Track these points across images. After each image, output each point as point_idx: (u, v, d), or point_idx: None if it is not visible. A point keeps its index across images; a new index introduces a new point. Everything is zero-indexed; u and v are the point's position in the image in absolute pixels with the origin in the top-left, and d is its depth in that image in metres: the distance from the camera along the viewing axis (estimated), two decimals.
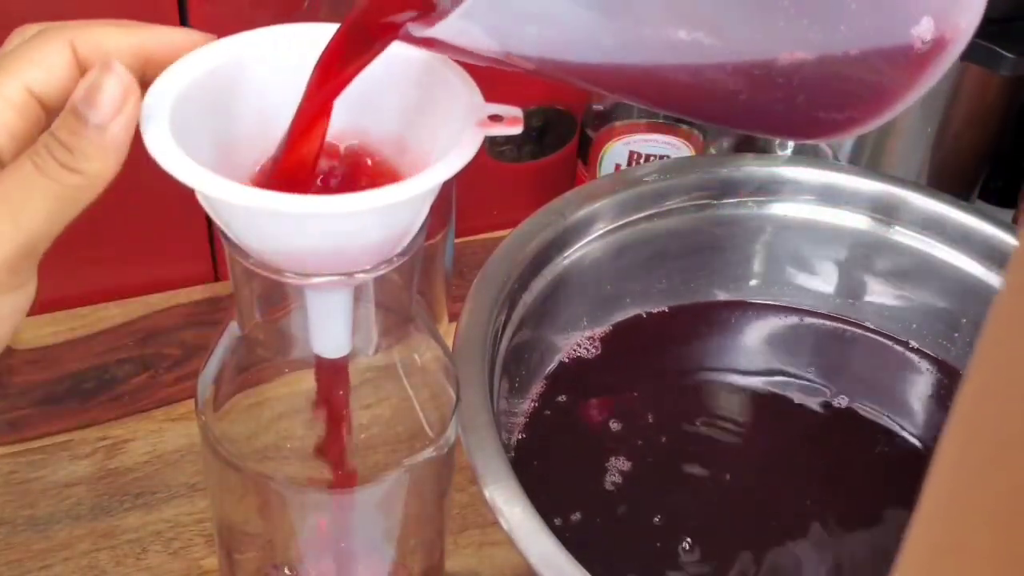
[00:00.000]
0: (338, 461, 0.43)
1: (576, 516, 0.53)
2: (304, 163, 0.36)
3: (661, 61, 0.32)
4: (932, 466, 0.18)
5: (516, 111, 0.35)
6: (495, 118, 0.35)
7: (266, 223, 0.34)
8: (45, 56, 0.34)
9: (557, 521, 0.53)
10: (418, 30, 0.31)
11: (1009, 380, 0.16)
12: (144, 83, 0.35)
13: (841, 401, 0.61)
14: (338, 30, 0.35)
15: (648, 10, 0.30)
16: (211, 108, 0.36)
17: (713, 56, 0.32)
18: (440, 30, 0.30)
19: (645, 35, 0.31)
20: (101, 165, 0.32)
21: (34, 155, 0.32)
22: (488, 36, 0.30)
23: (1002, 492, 0.15)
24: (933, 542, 0.18)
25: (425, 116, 0.38)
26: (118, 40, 0.35)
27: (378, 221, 0.35)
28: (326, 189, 0.38)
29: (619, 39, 0.32)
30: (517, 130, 0.35)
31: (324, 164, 0.38)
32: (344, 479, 0.43)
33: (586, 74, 0.33)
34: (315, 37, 0.36)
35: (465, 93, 0.36)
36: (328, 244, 0.35)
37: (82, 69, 0.34)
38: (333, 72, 0.35)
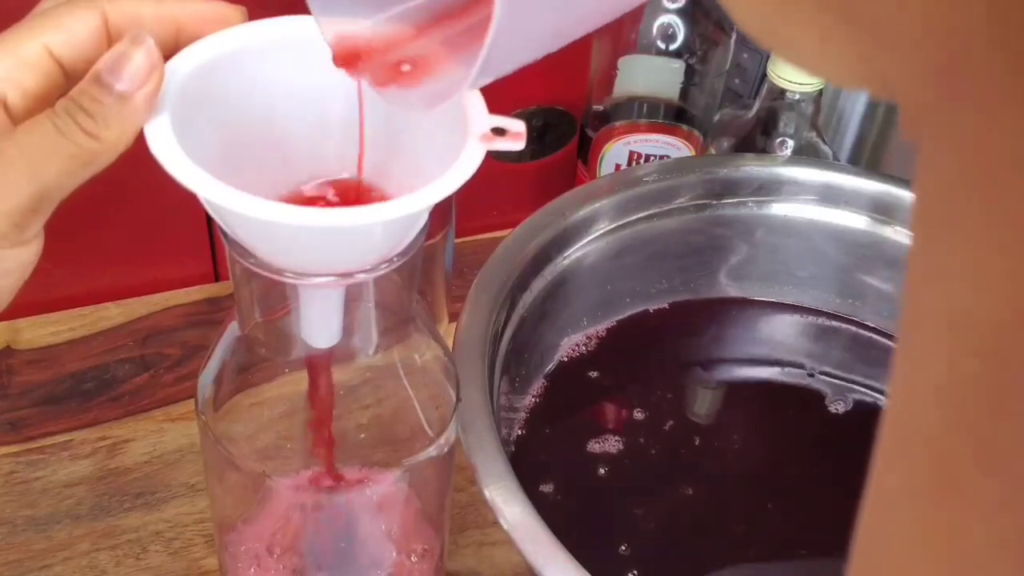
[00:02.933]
0: (327, 455, 0.43)
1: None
2: None
3: None
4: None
5: (519, 124, 0.35)
6: (498, 131, 0.35)
7: (267, 229, 0.34)
8: (72, 20, 0.34)
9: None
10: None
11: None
12: (176, 51, 0.35)
13: (842, 402, 0.61)
14: None
15: None
16: (212, 101, 0.36)
17: None
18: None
19: None
20: (118, 134, 0.33)
21: (54, 116, 0.33)
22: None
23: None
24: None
25: (427, 121, 0.38)
26: (150, 9, 0.35)
27: (378, 231, 0.35)
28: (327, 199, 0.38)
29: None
30: (520, 145, 0.35)
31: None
32: (342, 479, 0.43)
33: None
34: (315, 30, 0.36)
35: (469, 103, 0.36)
36: (328, 251, 0.35)
37: (113, 37, 0.35)
38: None
